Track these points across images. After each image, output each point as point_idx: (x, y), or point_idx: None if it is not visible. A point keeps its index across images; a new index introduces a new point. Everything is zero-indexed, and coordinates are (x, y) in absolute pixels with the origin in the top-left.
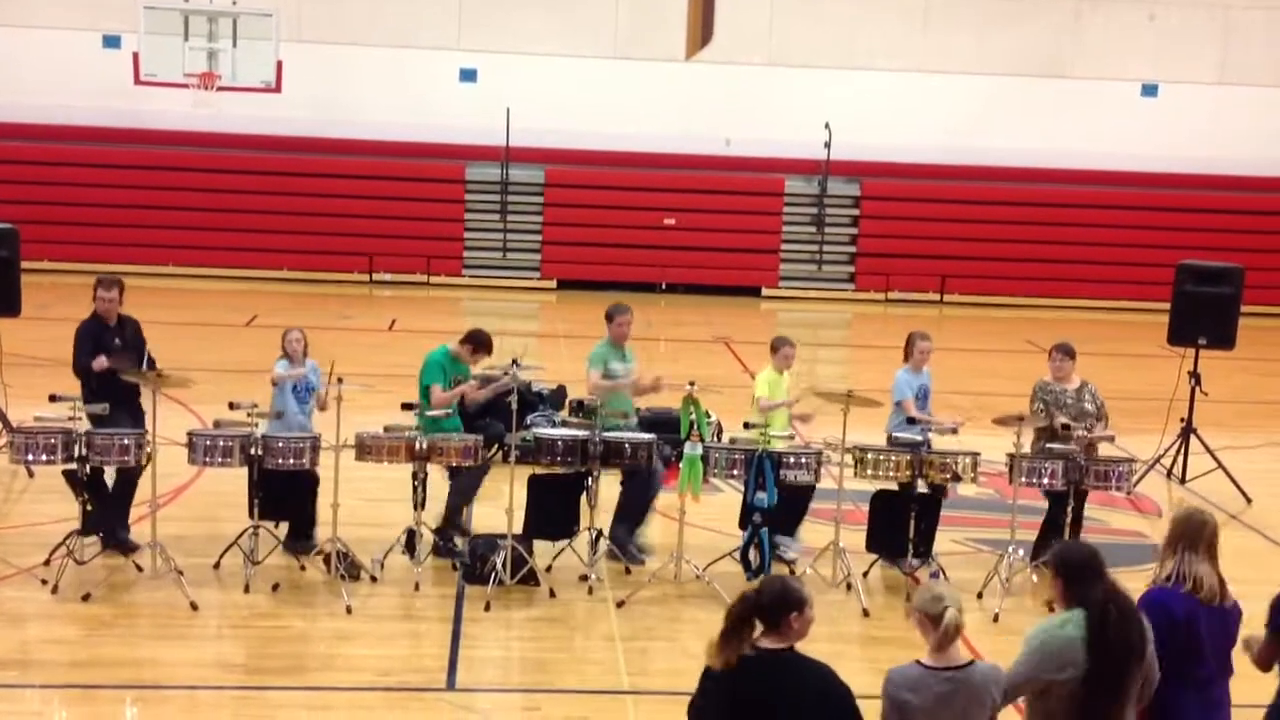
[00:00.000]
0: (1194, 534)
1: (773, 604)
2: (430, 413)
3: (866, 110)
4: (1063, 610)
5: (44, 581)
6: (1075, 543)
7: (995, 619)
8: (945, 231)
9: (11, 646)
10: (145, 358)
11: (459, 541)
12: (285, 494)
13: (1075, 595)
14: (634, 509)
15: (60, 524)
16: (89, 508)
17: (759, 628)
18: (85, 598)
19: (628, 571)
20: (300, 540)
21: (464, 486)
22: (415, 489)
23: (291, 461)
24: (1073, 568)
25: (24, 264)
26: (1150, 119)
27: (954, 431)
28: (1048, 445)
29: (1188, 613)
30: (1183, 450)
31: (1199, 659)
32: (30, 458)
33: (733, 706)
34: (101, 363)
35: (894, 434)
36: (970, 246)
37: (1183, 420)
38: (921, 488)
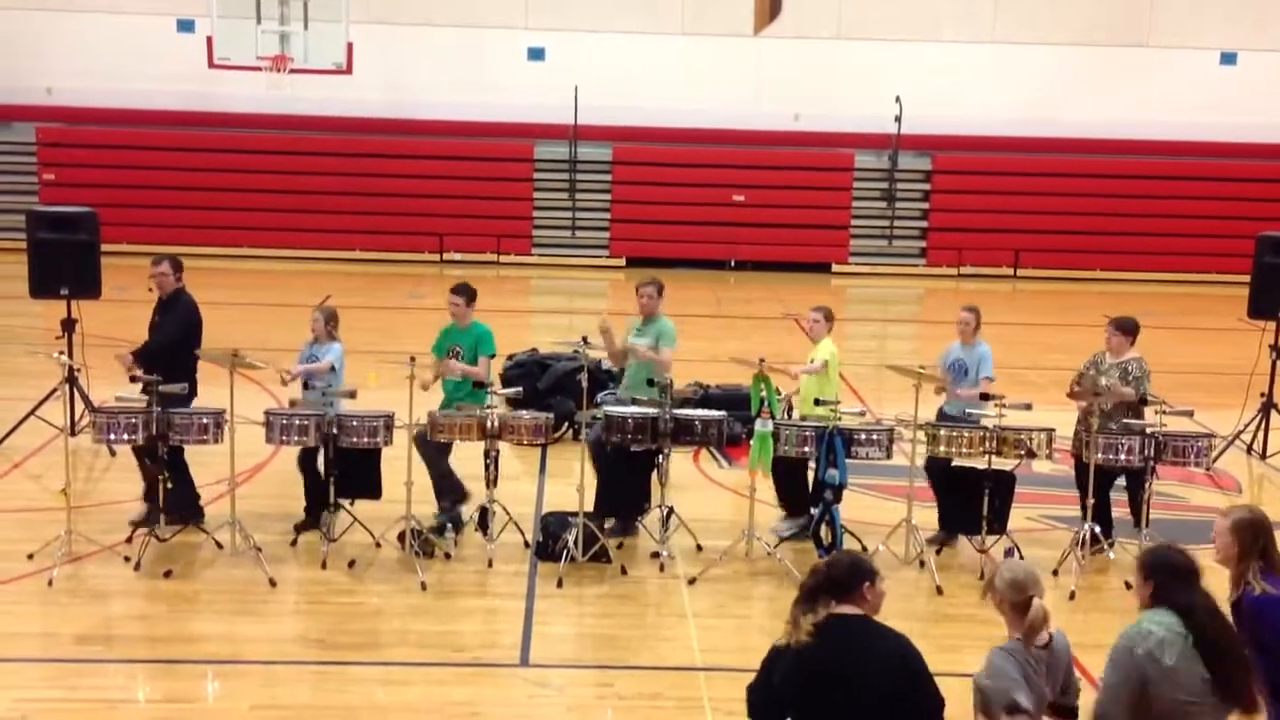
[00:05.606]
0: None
1: (845, 575)
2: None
3: (937, 83)
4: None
5: (126, 559)
6: (1171, 548)
7: (1071, 596)
8: (1019, 205)
9: (96, 622)
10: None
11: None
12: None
13: (1165, 599)
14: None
15: (141, 502)
16: (169, 486)
17: (831, 604)
18: (166, 574)
19: (699, 548)
20: (315, 515)
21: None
22: (487, 467)
23: (366, 440)
24: (1167, 572)
25: (103, 246)
26: (1229, 88)
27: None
28: (1124, 420)
29: None
30: (1263, 425)
31: None
32: (112, 437)
33: (810, 678)
34: (127, 361)
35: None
36: (1044, 220)
37: (1263, 395)
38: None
